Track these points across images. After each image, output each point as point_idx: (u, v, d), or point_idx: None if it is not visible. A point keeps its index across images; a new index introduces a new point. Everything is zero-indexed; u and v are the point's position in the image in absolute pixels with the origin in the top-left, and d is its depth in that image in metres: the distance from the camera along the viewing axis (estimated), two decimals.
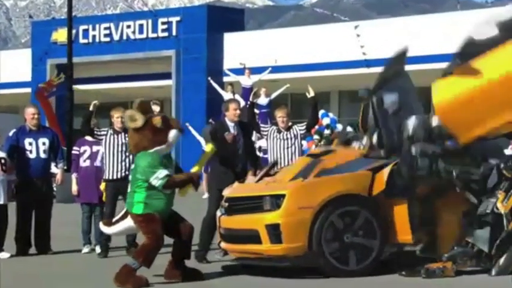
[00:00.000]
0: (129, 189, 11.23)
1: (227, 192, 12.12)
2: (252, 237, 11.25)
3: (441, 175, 11.35)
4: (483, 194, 11.31)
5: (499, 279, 10.53)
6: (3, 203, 14.22)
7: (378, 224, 11.19)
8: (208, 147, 11.72)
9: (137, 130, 10.87)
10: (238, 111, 13.33)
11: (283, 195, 11.14)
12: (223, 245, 12.21)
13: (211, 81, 32.81)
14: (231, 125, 13.17)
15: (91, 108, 13.81)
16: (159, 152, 10.88)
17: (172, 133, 11.04)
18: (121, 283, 10.49)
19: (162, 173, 10.65)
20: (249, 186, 12.21)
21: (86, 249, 14.29)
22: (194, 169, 11.31)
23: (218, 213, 12.16)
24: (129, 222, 11.05)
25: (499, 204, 11.13)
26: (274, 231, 11.01)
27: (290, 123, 14.37)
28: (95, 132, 14.23)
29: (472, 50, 11.08)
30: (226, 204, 11.84)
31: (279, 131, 14.08)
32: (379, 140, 12.03)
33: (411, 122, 11.56)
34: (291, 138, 13.96)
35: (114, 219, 11.56)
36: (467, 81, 11.04)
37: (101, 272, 12.01)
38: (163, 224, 10.92)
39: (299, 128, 14.29)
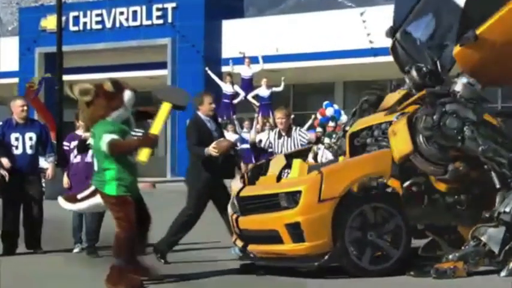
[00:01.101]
0: (96, 168, 11.01)
1: (239, 191, 12.01)
2: (273, 237, 11.22)
3: (466, 144, 11.00)
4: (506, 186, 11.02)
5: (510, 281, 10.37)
6: None
7: (407, 231, 11.13)
8: (166, 106, 11.23)
9: (90, 102, 10.78)
10: (213, 105, 13.28)
11: (299, 192, 11.02)
12: (248, 247, 12.00)
13: (209, 72, 32.84)
14: (206, 119, 13.02)
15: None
16: (117, 119, 10.77)
17: (127, 94, 10.96)
18: (113, 285, 10.43)
19: (108, 137, 10.43)
20: (263, 185, 12.19)
21: (76, 249, 14.30)
22: (152, 131, 11.05)
23: (230, 211, 12.15)
24: (96, 200, 10.91)
25: None
26: (295, 231, 10.97)
27: (290, 123, 14.51)
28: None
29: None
30: (238, 203, 11.83)
31: (280, 136, 14.16)
32: (418, 73, 11.85)
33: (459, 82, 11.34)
34: (291, 147, 14.01)
35: (80, 196, 11.29)
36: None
37: (93, 272, 12.01)
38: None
39: (300, 134, 14.40)
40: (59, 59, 30.67)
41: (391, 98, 12.01)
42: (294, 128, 14.87)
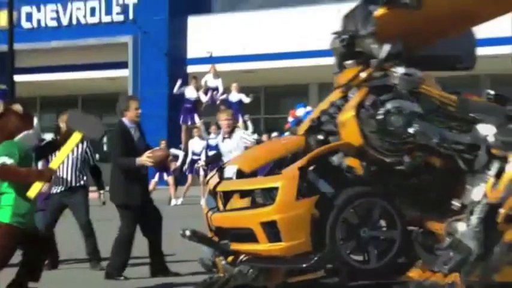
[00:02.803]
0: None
1: (215, 186, 11.63)
2: (248, 236, 10.94)
3: (417, 139, 10.86)
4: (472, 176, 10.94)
5: None
6: None
7: (397, 213, 10.91)
8: (76, 137, 10.87)
9: None
10: (139, 111, 13.15)
11: (276, 188, 10.71)
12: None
13: (178, 82, 32.70)
14: (131, 126, 12.91)
15: None
16: (25, 140, 10.68)
17: (35, 122, 10.94)
18: None
19: (1, 159, 10.36)
20: (242, 179, 11.74)
21: None
22: (51, 165, 10.97)
23: (205, 208, 11.79)
24: None
25: (488, 193, 10.70)
26: (271, 229, 10.71)
27: (234, 126, 14.89)
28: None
29: None
30: (220, 198, 11.48)
31: (223, 138, 14.42)
32: (341, 42, 11.75)
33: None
34: (234, 149, 14.07)
35: None
36: None
37: None
38: (24, 236, 10.69)
39: (243, 136, 14.54)
40: (10, 58, 30.65)
41: (345, 75, 11.89)
42: (237, 130, 14.97)
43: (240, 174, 11.35)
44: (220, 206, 11.39)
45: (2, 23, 34.89)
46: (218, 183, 11.60)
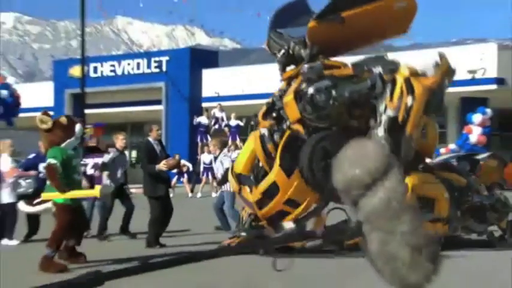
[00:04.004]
0: (48, 182, 10.74)
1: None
2: None
3: (338, 102, 10.41)
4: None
5: None
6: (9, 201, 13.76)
7: None
8: (95, 190, 10.95)
9: (48, 130, 10.62)
10: (160, 131, 13.33)
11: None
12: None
13: (195, 119, 32.51)
14: (154, 142, 12.85)
15: None
16: (69, 145, 10.65)
17: (77, 127, 10.82)
18: (45, 269, 10.12)
19: (49, 160, 10.39)
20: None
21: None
22: (66, 192, 10.43)
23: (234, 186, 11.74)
24: (47, 205, 10.88)
25: (388, 104, 10.25)
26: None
27: (220, 149, 15.90)
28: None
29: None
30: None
31: (215, 159, 15.77)
32: (282, 55, 11.41)
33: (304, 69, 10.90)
34: (218, 168, 15.46)
35: (35, 202, 11.45)
36: None
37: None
38: (74, 211, 10.68)
39: (224, 158, 15.63)
40: (82, 98, 30.47)
41: (287, 73, 11.47)
42: (223, 153, 15.64)
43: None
44: None
45: (76, 74, 34.45)
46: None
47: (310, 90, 10.49)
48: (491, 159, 12.81)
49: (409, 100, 10.19)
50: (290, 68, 11.55)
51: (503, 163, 13.33)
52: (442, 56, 10.61)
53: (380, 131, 10.26)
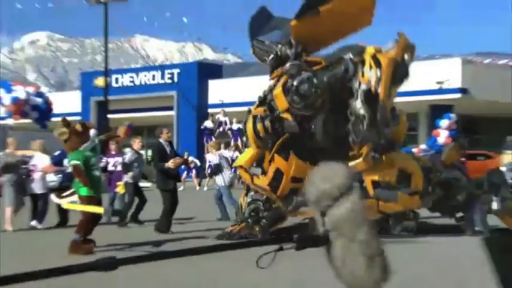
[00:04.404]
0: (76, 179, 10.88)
1: None
2: None
3: (320, 88, 10.38)
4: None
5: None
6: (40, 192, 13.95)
7: None
8: (98, 209, 10.78)
9: (67, 139, 10.75)
10: (169, 134, 13.28)
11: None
12: None
13: (203, 125, 32.58)
14: (165, 143, 12.79)
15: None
16: (86, 147, 10.76)
17: (93, 132, 11.17)
18: (74, 252, 10.20)
19: (72, 162, 10.62)
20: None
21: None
22: (88, 193, 10.61)
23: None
24: (74, 198, 10.87)
25: (361, 80, 10.15)
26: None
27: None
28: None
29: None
30: None
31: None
32: (270, 60, 11.35)
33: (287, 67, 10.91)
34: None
35: (64, 194, 11.34)
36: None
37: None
38: (97, 202, 10.77)
39: (222, 154, 15.67)
40: (105, 105, 30.55)
41: (276, 73, 11.38)
42: (219, 153, 15.70)
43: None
44: None
45: (100, 84, 34.53)
46: None
47: (295, 82, 10.49)
48: (454, 145, 13.11)
49: (377, 72, 10.09)
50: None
51: (463, 148, 13.45)
52: (400, 34, 10.56)
53: (358, 103, 10.19)
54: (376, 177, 10.77)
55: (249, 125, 11.20)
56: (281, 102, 10.72)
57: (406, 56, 10.40)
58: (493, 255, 6.08)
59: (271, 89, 11.13)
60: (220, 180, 14.50)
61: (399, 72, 10.28)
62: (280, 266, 8.51)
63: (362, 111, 10.08)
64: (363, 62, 10.23)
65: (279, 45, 11.28)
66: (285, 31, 11.60)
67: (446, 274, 8.13)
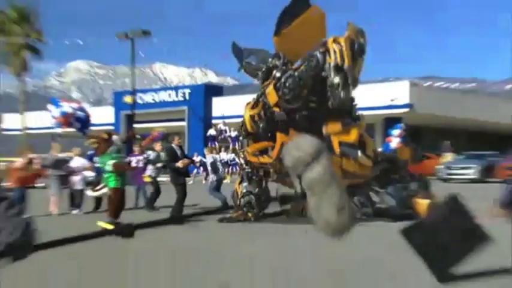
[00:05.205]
0: (105, 175, 10.92)
1: None
2: None
3: (302, 79, 10.01)
4: None
5: None
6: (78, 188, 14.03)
7: None
8: (108, 226, 10.94)
9: (97, 147, 11.02)
10: (180, 140, 13.18)
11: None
12: None
13: (208, 133, 32.24)
14: (176, 147, 12.67)
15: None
16: (112, 151, 10.76)
17: (115, 137, 11.15)
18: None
19: (109, 162, 10.67)
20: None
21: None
22: (116, 185, 10.70)
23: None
24: (104, 190, 10.98)
25: (329, 61, 9.70)
26: None
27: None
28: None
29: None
30: None
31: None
32: (262, 73, 11.05)
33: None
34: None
35: (96, 188, 11.54)
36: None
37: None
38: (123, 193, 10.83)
39: (214, 156, 14.95)
40: (131, 117, 30.35)
41: (265, 83, 11.14)
42: (213, 155, 15.14)
43: None
44: None
45: (129, 101, 33.99)
46: None
47: (283, 79, 10.24)
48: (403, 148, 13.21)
49: (337, 48, 9.73)
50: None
51: (413, 148, 13.55)
52: (349, 23, 10.30)
53: (331, 76, 9.78)
54: (342, 138, 10.29)
55: (246, 113, 11.03)
56: (272, 98, 10.44)
57: (360, 37, 10.03)
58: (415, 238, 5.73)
59: (263, 93, 10.89)
60: (213, 175, 14.34)
61: (356, 48, 9.83)
62: (273, 241, 8.45)
63: (336, 80, 9.69)
64: (328, 51, 9.89)
65: (269, 59, 11.05)
66: (259, 56, 11.57)
67: (397, 255, 7.89)
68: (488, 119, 34.79)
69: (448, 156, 27.59)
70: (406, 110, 30.60)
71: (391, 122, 30.59)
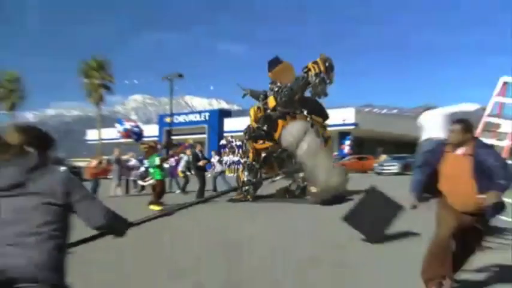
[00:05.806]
0: (151, 170, 10.47)
1: None
2: None
3: (294, 89, 9.91)
4: None
5: None
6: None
7: None
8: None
9: (147, 152, 10.66)
10: (201, 147, 12.88)
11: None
12: None
13: (220, 143, 31.81)
14: (198, 152, 12.51)
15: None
16: (157, 154, 10.52)
17: (159, 146, 11.34)
18: (153, 204, 9.81)
19: (157, 160, 10.19)
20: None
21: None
22: (160, 177, 10.19)
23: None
24: (151, 181, 10.45)
25: (312, 73, 10.05)
26: None
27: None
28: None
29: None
30: None
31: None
32: (263, 96, 10.79)
33: None
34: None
35: (146, 179, 10.91)
36: None
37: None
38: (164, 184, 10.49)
39: (216, 160, 14.36)
40: (170, 132, 29.98)
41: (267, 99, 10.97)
42: (217, 158, 14.67)
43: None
44: None
45: (168, 121, 33.16)
46: None
47: (280, 89, 10.29)
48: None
49: (316, 65, 10.01)
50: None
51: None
52: (321, 54, 10.39)
53: (314, 79, 9.91)
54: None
55: (251, 110, 10.99)
56: (271, 103, 10.40)
57: (329, 60, 10.21)
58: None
59: (265, 102, 10.81)
60: (218, 169, 14.35)
61: (328, 64, 10.07)
62: (272, 220, 7.36)
63: (317, 81, 9.86)
64: (309, 69, 10.13)
65: (269, 85, 10.96)
66: (258, 91, 11.31)
67: (323, 228, 6.67)
68: (407, 133, 34.73)
69: (381, 158, 27.72)
70: (353, 127, 30.73)
71: (343, 135, 30.87)
